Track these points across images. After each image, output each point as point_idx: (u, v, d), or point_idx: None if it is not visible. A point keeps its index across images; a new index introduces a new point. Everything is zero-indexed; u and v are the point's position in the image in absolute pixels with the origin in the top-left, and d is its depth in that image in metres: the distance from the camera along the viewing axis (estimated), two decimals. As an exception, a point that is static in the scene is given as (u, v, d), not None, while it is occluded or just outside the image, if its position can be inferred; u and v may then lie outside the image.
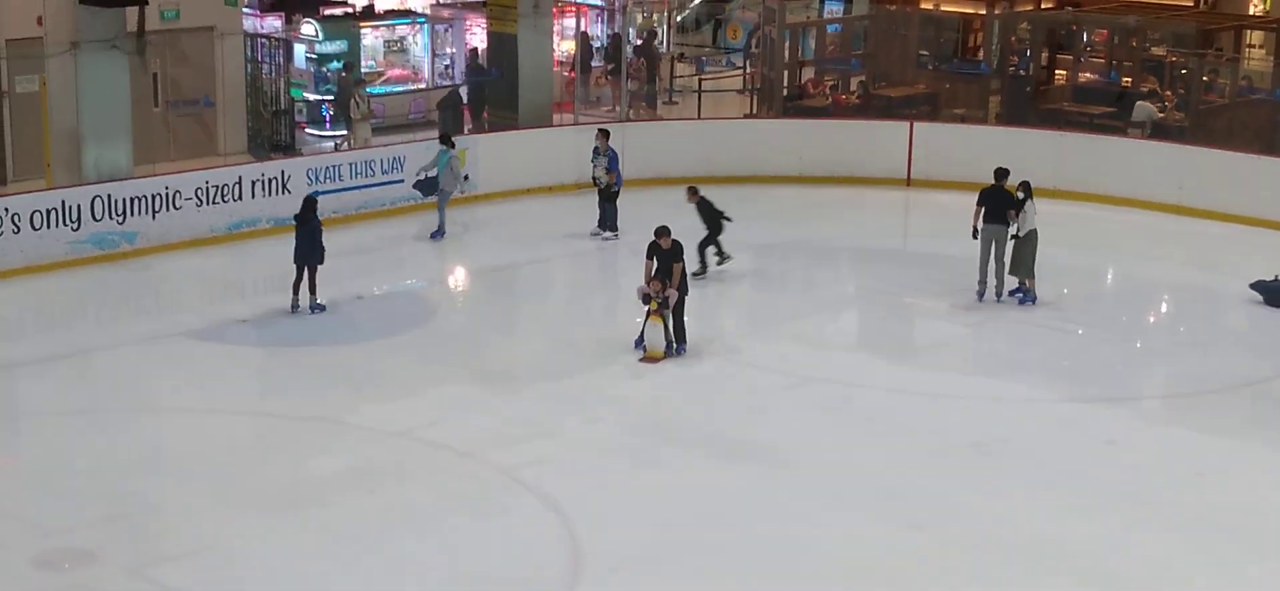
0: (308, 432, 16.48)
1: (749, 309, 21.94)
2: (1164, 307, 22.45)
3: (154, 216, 22.65)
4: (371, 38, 30.26)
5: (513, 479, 15.34)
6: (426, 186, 23.98)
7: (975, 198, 20.86)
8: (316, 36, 29.35)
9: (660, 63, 33.43)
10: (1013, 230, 20.44)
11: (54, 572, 13.40)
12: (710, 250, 21.74)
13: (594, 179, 24.06)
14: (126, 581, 13.26)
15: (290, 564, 13.66)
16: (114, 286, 21.56)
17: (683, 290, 18.45)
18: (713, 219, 21.73)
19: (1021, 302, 20.72)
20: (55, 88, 24.17)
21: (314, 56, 29.38)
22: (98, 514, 14.46)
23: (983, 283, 20.94)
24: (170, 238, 22.75)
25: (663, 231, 18.47)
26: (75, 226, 21.94)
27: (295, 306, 20.22)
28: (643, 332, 18.47)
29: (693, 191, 21.90)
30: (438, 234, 23.68)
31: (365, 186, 24.66)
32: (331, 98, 28.76)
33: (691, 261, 20.38)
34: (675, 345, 18.48)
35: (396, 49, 30.70)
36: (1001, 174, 20.91)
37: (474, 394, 17.75)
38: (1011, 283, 20.85)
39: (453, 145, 23.75)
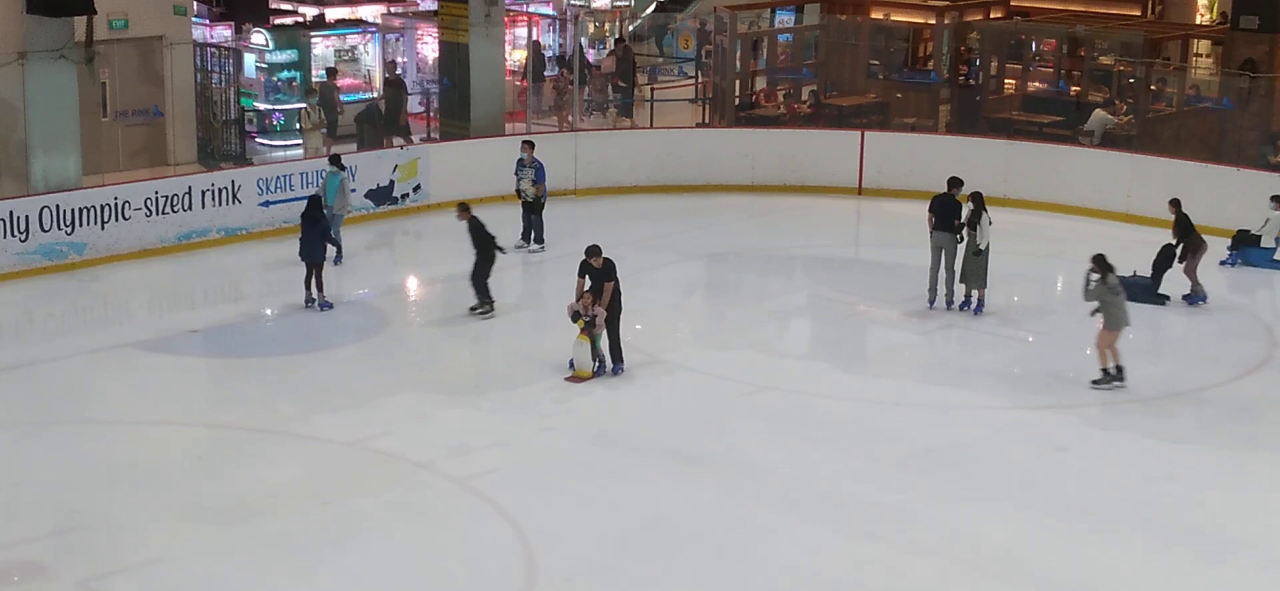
0: (259, 443, 16.38)
1: (703, 318, 21.98)
2: None
3: (103, 227, 22.49)
4: (322, 47, 30.12)
5: (467, 489, 15.30)
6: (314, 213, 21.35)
7: (927, 205, 21.00)
8: (267, 46, 29.20)
9: (636, 70, 33.32)
10: (976, 241, 20.52)
11: (4, 586, 13.26)
12: (479, 290, 20.59)
13: (519, 191, 23.76)
14: (76, 595, 13.15)
15: (241, 576, 13.57)
16: (63, 297, 21.38)
17: (615, 308, 18.18)
18: (484, 244, 20.52)
19: (973, 312, 20.83)
20: (2, 97, 23.92)
21: (264, 66, 29.23)
22: (47, 527, 14.34)
23: (933, 290, 21.06)
24: (119, 248, 22.59)
25: (594, 250, 18.12)
26: (23, 237, 21.75)
27: (309, 302, 20.69)
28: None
29: (464, 209, 20.80)
30: (336, 260, 22.47)
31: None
32: (293, 105, 28.54)
33: (470, 296, 20.26)
34: (610, 364, 18.26)
35: (347, 58, 30.57)
36: (954, 183, 21.05)
37: (427, 404, 17.70)
38: (960, 292, 20.98)
39: (342, 167, 22.89)
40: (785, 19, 34.66)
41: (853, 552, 14.28)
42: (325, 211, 21.71)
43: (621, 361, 18.28)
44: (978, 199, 20.79)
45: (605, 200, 26.85)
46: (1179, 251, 21.84)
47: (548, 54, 33.45)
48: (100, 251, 22.44)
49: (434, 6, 30.93)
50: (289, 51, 29.33)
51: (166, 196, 23.10)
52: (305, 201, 21.36)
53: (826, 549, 14.33)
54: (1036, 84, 31.16)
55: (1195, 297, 21.64)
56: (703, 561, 14.01)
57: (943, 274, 20.99)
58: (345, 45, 30.56)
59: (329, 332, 20.37)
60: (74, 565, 13.61)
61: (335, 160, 23.08)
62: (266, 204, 24.15)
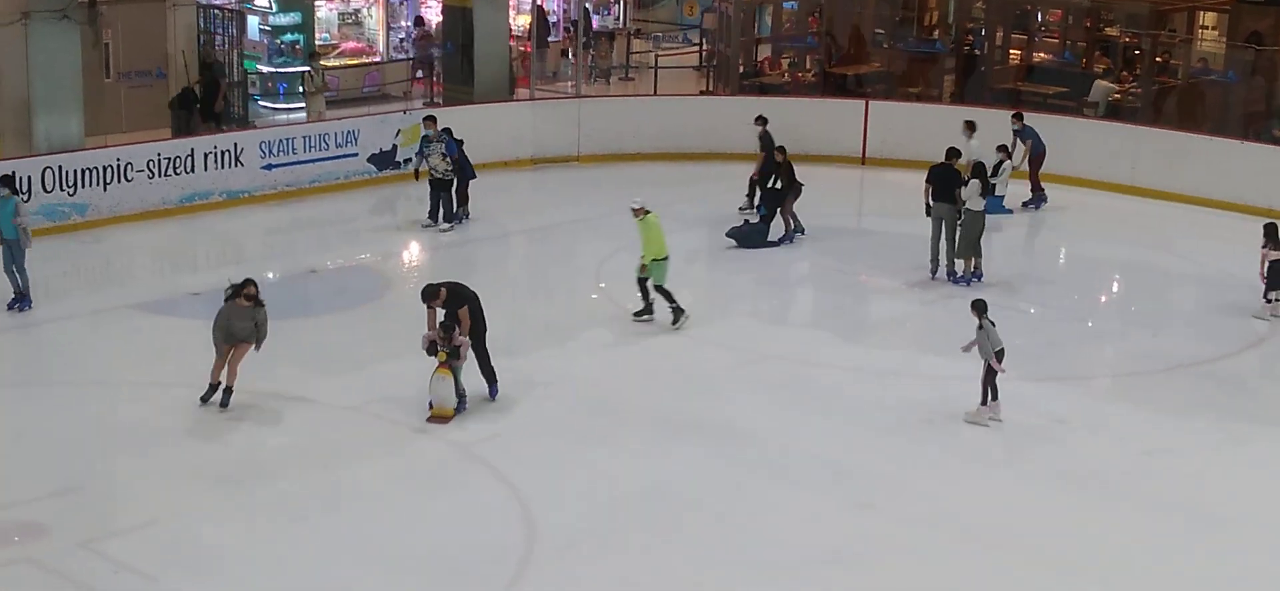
0: (259, 407, 16.40)
1: (703, 286, 21.97)
2: (1115, 287, 22.61)
3: (105, 188, 22.50)
4: (326, 10, 30.08)
5: (466, 455, 15.34)
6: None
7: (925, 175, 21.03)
8: (270, 8, 29.17)
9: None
10: (969, 204, 20.54)
11: (4, 546, 13.31)
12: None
13: (430, 168, 22.81)
14: (77, 555, 13.17)
15: (242, 539, 13.62)
16: (65, 258, 21.40)
17: (479, 331, 16.33)
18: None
19: (965, 283, 20.79)
20: (5, 58, 23.92)
21: (268, 28, 29.20)
22: (47, 487, 14.38)
23: (935, 261, 21.06)
24: (121, 210, 22.61)
25: (430, 293, 16.14)
26: (26, 198, 21.74)
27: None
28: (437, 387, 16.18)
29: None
30: (20, 303, 19.04)
31: (319, 160, 24.55)
32: (297, 68, 28.47)
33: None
34: (487, 390, 16.48)
35: (351, 22, 30.53)
36: (953, 153, 21.04)
37: (428, 369, 17.66)
38: (960, 265, 20.95)
39: (15, 190, 19.28)
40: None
41: (850, 521, 14.31)
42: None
43: (495, 383, 16.50)
44: (979, 169, 20.77)
45: (608, 167, 26.82)
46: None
47: (552, 19, 33.40)
48: (102, 213, 22.45)
49: (439, -30, 30.92)
50: (293, 14, 29.29)
51: (169, 158, 23.10)
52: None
53: (824, 517, 14.36)
54: (1042, 55, 31.09)
55: (790, 235, 22.83)
56: (701, 528, 14.05)
57: (943, 245, 20.97)
58: (349, 9, 30.51)
59: (330, 297, 20.40)
60: (73, 526, 13.65)
61: (7, 182, 19.08)
62: (269, 167, 24.15)
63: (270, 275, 21.59)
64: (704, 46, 34.43)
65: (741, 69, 31.11)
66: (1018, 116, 25.32)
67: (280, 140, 24.40)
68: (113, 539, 13.51)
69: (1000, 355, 16.15)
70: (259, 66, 29.13)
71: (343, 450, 15.46)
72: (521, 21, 32.00)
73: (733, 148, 27.44)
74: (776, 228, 22.63)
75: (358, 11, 30.62)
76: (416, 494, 14.53)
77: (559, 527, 13.94)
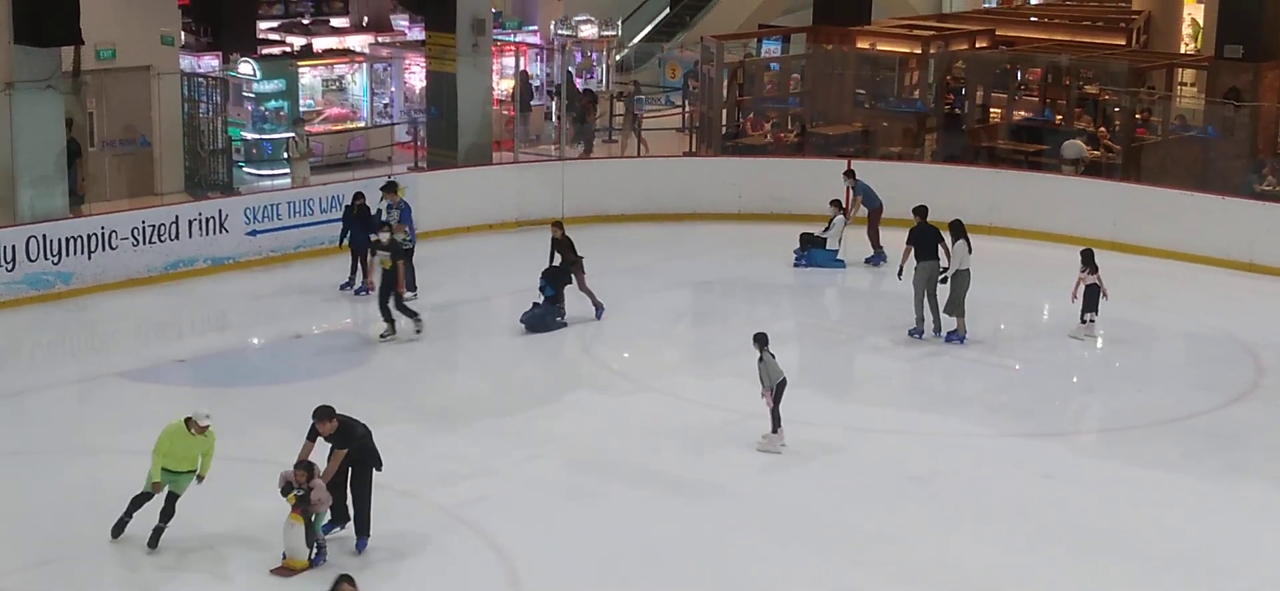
0: (245, 473, 16.31)
1: (689, 345, 22.00)
2: (1099, 343, 22.64)
3: (90, 256, 22.46)
4: (310, 77, 30.18)
5: (453, 517, 15.28)
6: None
7: (906, 237, 21.07)
8: (254, 76, 29.25)
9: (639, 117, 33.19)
10: (956, 264, 20.61)
11: (-13, 617, 13.23)
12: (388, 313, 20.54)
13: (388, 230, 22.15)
14: (61, 625, 13.11)
15: (228, 605, 13.53)
16: (49, 327, 21.34)
17: (364, 475, 14.51)
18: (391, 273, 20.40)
19: (948, 341, 20.85)
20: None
21: (251, 95, 29.27)
22: (31, 556, 14.29)
23: (920, 320, 21.09)
24: (106, 278, 22.56)
25: (324, 414, 14.43)
26: (9, 267, 21.72)
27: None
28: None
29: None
30: None
31: (304, 225, 24.55)
32: (281, 135, 28.46)
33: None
34: (355, 540, 14.52)
35: (335, 88, 30.63)
36: (922, 211, 21.15)
37: (413, 432, 17.67)
38: (949, 323, 20.98)
39: None
40: (772, 49, 34.79)
41: (839, 579, 14.28)
42: None
43: (367, 534, 14.47)
44: (957, 226, 20.85)
45: (592, 228, 26.82)
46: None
47: (535, 83, 33.54)
48: (87, 281, 22.40)
49: (422, 36, 31.04)
50: (277, 81, 29.37)
51: (154, 226, 23.07)
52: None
53: (813, 575, 14.32)
54: (1022, 113, 31.28)
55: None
56: (690, 589, 13.99)
57: (927, 303, 21.01)
58: (333, 75, 30.62)
59: (315, 362, 20.35)
60: (58, 595, 13.56)
61: None
62: (253, 233, 24.15)
63: (255, 340, 21.57)
64: (686, 109, 34.55)
65: (723, 130, 31.23)
66: (850, 173, 25.55)
67: (265, 206, 24.40)
68: (98, 607, 13.42)
69: (781, 386, 16.74)
70: (243, 133, 29.17)
71: (328, 514, 15.36)
72: (505, 85, 32.12)
73: (715, 209, 27.54)
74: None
75: (341, 78, 30.73)
76: (404, 558, 14.45)
77: (546, 589, 13.87)
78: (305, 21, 35.19)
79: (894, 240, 21.44)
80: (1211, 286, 24.34)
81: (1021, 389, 19.79)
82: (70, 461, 16.88)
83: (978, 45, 32.67)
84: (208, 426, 14.40)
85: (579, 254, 21.73)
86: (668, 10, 43.16)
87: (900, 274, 21.11)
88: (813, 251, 24.73)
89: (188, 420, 14.31)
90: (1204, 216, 25.53)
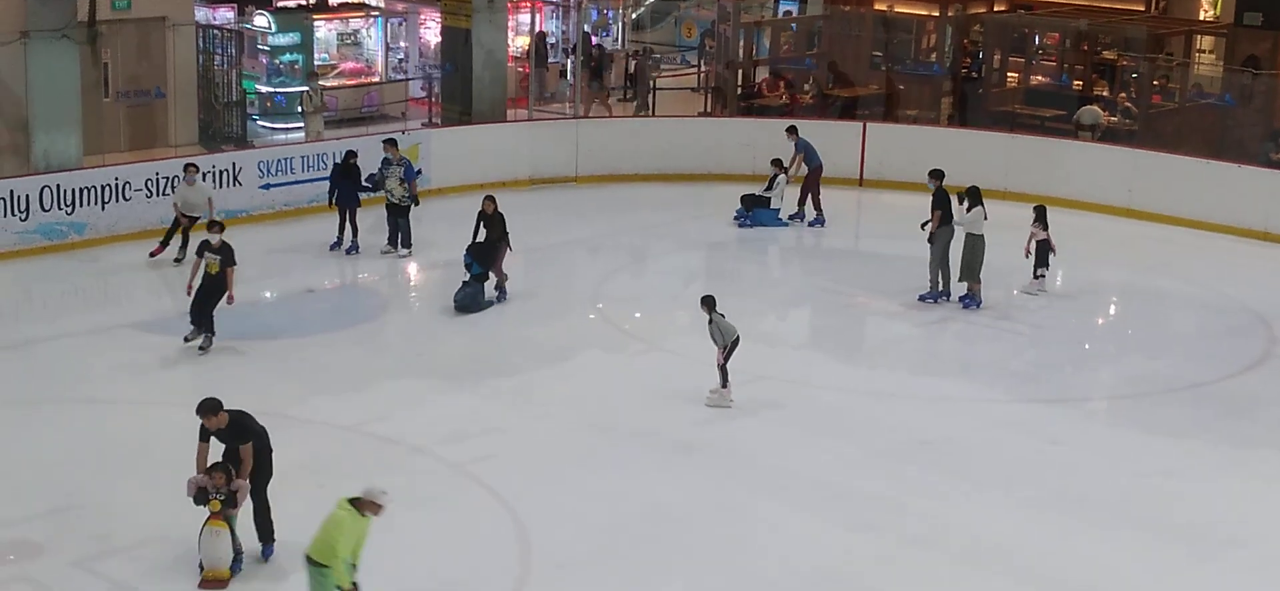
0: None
1: (700, 307, 21.95)
2: (1112, 310, 22.63)
3: (103, 207, 22.50)
4: (325, 30, 30.14)
5: (462, 474, 15.33)
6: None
7: (933, 201, 20.98)
8: (269, 28, 29.22)
9: (651, 74, 33.14)
10: (968, 227, 20.57)
11: (0, 565, 13.31)
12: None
13: (386, 192, 22.43)
14: (73, 573, 13.17)
15: (237, 558, 13.58)
16: (61, 277, 21.40)
17: (262, 474, 13.48)
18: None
19: (966, 307, 20.85)
20: (4, 77, 23.94)
21: (266, 48, 29.25)
22: (43, 506, 14.36)
23: (934, 284, 21.07)
24: (119, 229, 22.60)
25: (210, 408, 13.20)
26: (23, 216, 21.77)
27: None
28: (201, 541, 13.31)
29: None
30: None
31: (317, 180, 24.53)
32: (295, 88, 28.44)
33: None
34: (260, 549, 13.60)
35: (350, 42, 30.60)
36: (938, 175, 21.10)
37: (424, 389, 17.72)
38: (960, 288, 20.98)
39: None
40: (789, 9, 34.68)
41: (846, 542, 14.30)
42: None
43: (272, 540, 13.61)
44: (974, 192, 20.79)
45: (606, 188, 26.85)
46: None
47: (551, 40, 33.46)
48: (100, 232, 22.45)
49: (437, -9, 31.01)
50: (292, 34, 29.34)
51: (167, 177, 23.09)
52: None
53: (821, 538, 14.35)
54: (1039, 78, 31.16)
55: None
56: (698, 549, 14.03)
57: (942, 267, 21.00)
58: (348, 29, 30.58)
59: (327, 317, 20.40)
60: (69, 544, 13.63)
61: None
62: (267, 187, 24.18)
63: (268, 295, 21.61)
64: (702, 68, 34.48)
65: (739, 90, 31.15)
66: (792, 129, 25.64)
67: (278, 160, 24.42)
68: (108, 557, 13.49)
69: (734, 344, 17.06)
70: (258, 86, 29.15)
71: (339, 470, 15.41)
72: (521, 43, 32.05)
73: (730, 169, 27.48)
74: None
75: (356, 32, 30.68)
76: (412, 514, 14.48)
77: (555, 549, 13.92)
78: (321, -26, 35.16)
79: (916, 205, 21.32)
80: (1226, 255, 24.27)
81: (1032, 354, 19.77)
82: (81, 411, 16.94)
83: (996, 9, 32.51)
84: (384, 503, 12.21)
85: (506, 231, 20.71)
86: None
87: (930, 238, 20.95)
88: (758, 211, 24.87)
89: (356, 501, 12.07)
90: (1220, 185, 25.44)
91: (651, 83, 32.56)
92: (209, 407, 13.13)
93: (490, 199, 21.06)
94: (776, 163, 24.87)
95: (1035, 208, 21.76)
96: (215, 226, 18.72)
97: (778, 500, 15.06)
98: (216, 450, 13.37)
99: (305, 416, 16.67)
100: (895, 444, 16.48)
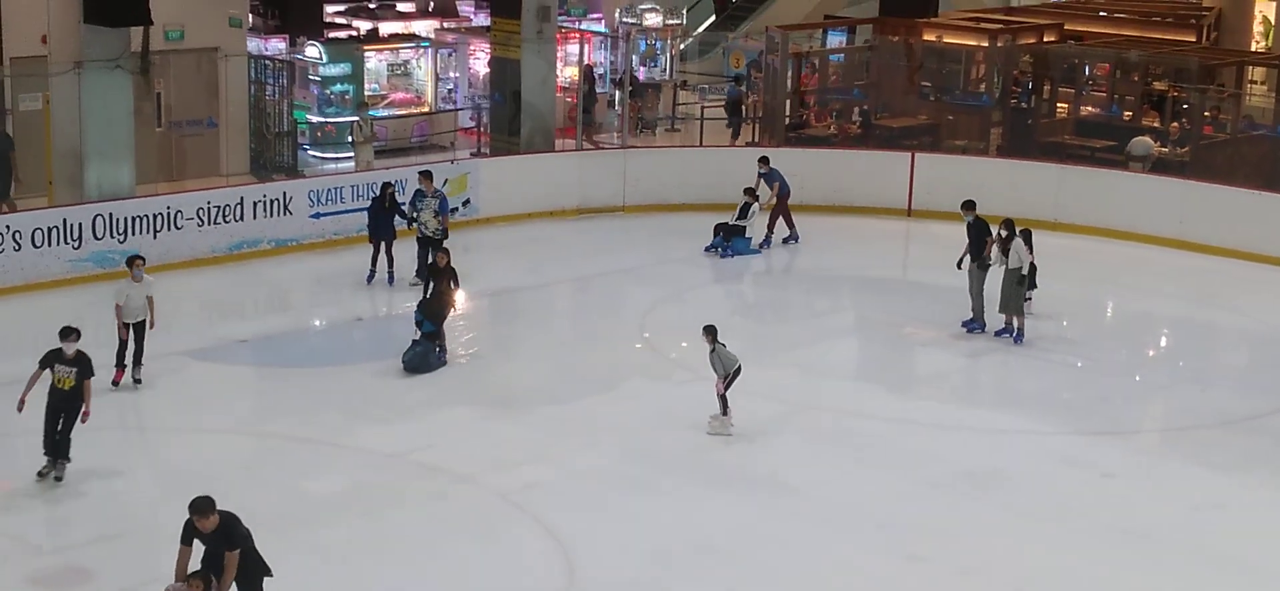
0: (304, 454, 16.47)
1: (748, 337, 21.88)
2: (1163, 342, 22.44)
3: (155, 236, 22.67)
4: (375, 61, 30.32)
5: (509, 503, 15.32)
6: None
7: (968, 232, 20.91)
8: (320, 59, 29.42)
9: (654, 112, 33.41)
10: (1008, 264, 20.42)
11: (50, 590, 13.37)
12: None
13: (420, 224, 22.10)
14: (120, 600, 13.25)
15: (283, 586, 13.59)
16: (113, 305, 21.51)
17: (254, 580, 12.44)
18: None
19: (1002, 339, 20.66)
20: (59, 106, 24.21)
21: (317, 79, 29.44)
22: (92, 533, 14.46)
23: (977, 313, 20.95)
24: (171, 257, 22.76)
25: (202, 507, 12.11)
26: (76, 245, 21.97)
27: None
28: None
29: None
30: None
31: (367, 209, 24.62)
32: (346, 119, 28.58)
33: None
34: None
35: (400, 73, 30.76)
36: (970, 205, 20.98)
37: (471, 417, 17.74)
38: (999, 321, 20.81)
39: None
40: (837, 40, 34.62)
41: (894, 574, 14.20)
42: None
43: None
44: (1008, 225, 20.63)
45: (653, 217, 26.86)
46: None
47: (599, 71, 33.54)
48: (152, 260, 22.55)
49: (486, 22, 31.12)
50: (343, 65, 29.53)
51: (218, 207, 23.27)
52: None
53: (868, 569, 14.26)
54: (1089, 108, 30.98)
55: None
56: (744, 580, 13.97)
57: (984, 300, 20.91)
58: (398, 59, 30.75)
59: (375, 345, 20.46)
60: (117, 571, 13.71)
61: None
62: (317, 216, 24.31)
63: (316, 322, 21.71)
64: (750, 98, 34.48)
65: (787, 120, 31.12)
66: (764, 160, 25.82)
67: (328, 189, 24.56)
68: (156, 584, 13.48)
69: (736, 373, 17.13)
70: (308, 116, 29.35)
71: (386, 497, 15.47)
72: (569, 73, 32.13)
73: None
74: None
75: (407, 62, 30.85)
76: (459, 542, 14.52)
77: (601, 577, 13.90)
78: (372, 5, 35.32)
79: (964, 236, 21.20)
80: (1277, 287, 24.02)
81: (1083, 387, 19.61)
82: (132, 438, 17.05)
83: (1045, 39, 32.37)
84: None
85: (456, 288, 20.06)
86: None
87: (960, 265, 20.95)
88: (736, 241, 24.90)
89: None
90: (1272, 216, 25.20)
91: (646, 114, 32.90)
92: (202, 507, 12.04)
93: (444, 252, 20.31)
94: (749, 191, 25.05)
95: (1022, 232, 20.73)
96: (70, 333, 15.60)
97: (826, 530, 14.98)
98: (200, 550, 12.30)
99: (353, 444, 16.73)
100: (943, 476, 16.38)
